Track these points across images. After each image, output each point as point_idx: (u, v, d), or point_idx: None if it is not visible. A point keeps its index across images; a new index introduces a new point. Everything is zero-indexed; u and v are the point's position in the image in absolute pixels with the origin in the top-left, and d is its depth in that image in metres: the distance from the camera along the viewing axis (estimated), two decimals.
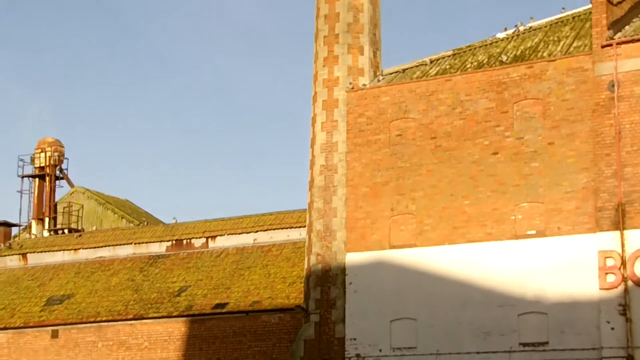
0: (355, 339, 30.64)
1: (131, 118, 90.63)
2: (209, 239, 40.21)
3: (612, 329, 27.08)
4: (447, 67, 32.59)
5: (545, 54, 30.45)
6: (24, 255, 44.59)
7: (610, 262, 27.37)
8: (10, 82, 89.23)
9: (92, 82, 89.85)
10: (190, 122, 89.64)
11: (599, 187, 27.92)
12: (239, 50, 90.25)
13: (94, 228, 48.45)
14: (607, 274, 27.37)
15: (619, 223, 27.44)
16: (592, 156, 28.16)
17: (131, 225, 48.19)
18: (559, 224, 28.35)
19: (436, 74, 32.21)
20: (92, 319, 38.04)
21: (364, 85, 32.91)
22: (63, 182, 51.30)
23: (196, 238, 40.58)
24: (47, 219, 49.55)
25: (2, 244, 46.59)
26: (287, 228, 38.52)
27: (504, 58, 31.20)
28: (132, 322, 37.16)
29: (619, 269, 27.22)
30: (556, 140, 28.72)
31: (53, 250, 43.90)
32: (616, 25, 29.03)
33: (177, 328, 36.11)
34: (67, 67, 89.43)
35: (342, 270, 31.44)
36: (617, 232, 27.44)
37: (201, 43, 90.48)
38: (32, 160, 50.14)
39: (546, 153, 28.81)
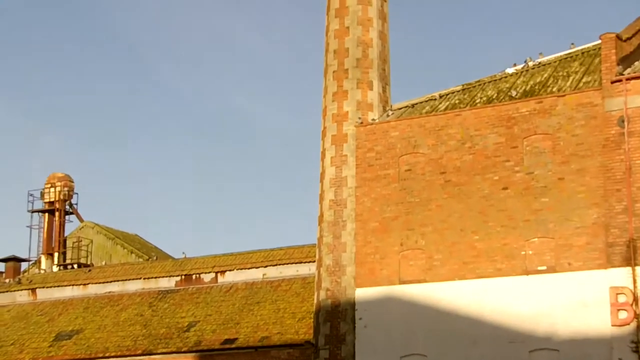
0: None
1: (141, 153, 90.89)
2: (218, 274, 40.10)
3: None
4: (457, 102, 32.61)
5: (554, 89, 30.45)
6: (33, 290, 44.53)
7: (622, 299, 27.16)
8: (20, 117, 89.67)
9: (103, 117, 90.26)
10: (199, 156, 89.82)
11: (609, 222, 27.77)
12: (248, 86, 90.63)
13: (103, 263, 48.40)
14: (619, 310, 27.16)
15: (631, 259, 27.26)
16: (602, 192, 28.04)
17: (140, 260, 48.14)
18: (570, 259, 28.19)
19: (445, 108, 32.23)
20: (101, 355, 37.87)
21: (373, 120, 32.94)
22: (73, 217, 51.37)
23: (205, 273, 40.47)
24: (56, 254, 49.56)
25: (11, 279, 46.55)
26: (296, 263, 38.40)
27: (514, 93, 31.21)
28: (141, 357, 36.98)
29: (631, 305, 27.00)
30: (566, 175, 28.63)
31: (62, 286, 43.83)
32: (625, 61, 29.04)
33: None
34: (78, 102, 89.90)
35: (352, 305, 31.29)
36: (629, 268, 27.26)
37: (210, 79, 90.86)
38: (42, 195, 50.25)
39: (556, 188, 28.72)
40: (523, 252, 28.89)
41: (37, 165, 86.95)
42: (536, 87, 31.21)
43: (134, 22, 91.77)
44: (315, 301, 32.56)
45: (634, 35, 30.26)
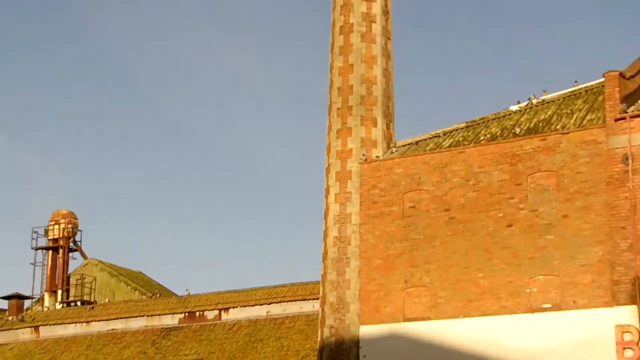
0: None
1: (146, 190, 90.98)
2: (222, 311, 39.98)
3: None
4: (461, 139, 32.65)
5: (558, 127, 30.49)
6: (36, 328, 44.39)
7: (627, 337, 26.97)
8: (25, 153, 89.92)
9: (107, 154, 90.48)
10: (203, 193, 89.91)
11: (614, 260, 27.67)
12: (253, 122, 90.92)
13: (107, 300, 48.28)
14: (624, 348, 26.96)
15: (636, 297, 27.11)
16: (607, 229, 27.97)
17: (144, 297, 48.01)
18: (575, 297, 28.05)
19: (449, 146, 32.25)
20: None
21: (377, 157, 32.97)
22: (76, 254, 51.35)
23: (209, 310, 40.35)
24: (59, 291, 49.47)
25: (14, 317, 46.41)
26: (300, 300, 38.28)
27: (518, 130, 31.25)
28: None
29: (637, 343, 26.81)
30: (571, 212, 28.58)
31: (65, 323, 43.70)
32: (629, 98, 29.11)
33: None
34: (83, 139, 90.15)
35: (356, 343, 31.11)
36: (634, 306, 27.10)
37: (215, 116, 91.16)
38: (46, 232, 50.26)
39: (561, 225, 28.65)
40: (528, 290, 28.77)
41: (41, 202, 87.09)
42: (540, 125, 31.25)
43: (139, 60, 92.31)
44: (319, 339, 32.39)
45: (637, 73, 30.35)
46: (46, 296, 49.24)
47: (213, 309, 40.25)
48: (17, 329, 44.87)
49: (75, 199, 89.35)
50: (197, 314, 40.47)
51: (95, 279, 50.27)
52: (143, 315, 41.82)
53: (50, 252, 50.04)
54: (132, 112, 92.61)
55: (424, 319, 30.14)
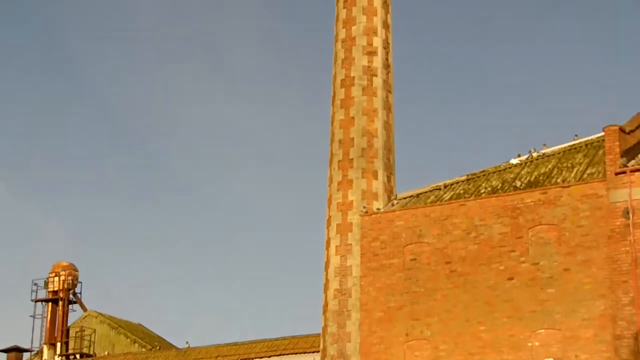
0: None
1: (146, 242, 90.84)
2: None
3: None
4: (461, 192, 32.68)
5: (559, 180, 30.54)
6: None
7: None
8: (25, 203, 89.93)
9: (108, 205, 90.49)
10: (204, 246, 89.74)
11: (616, 314, 27.53)
12: (253, 174, 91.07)
13: (106, 353, 47.94)
14: None
15: (638, 352, 26.92)
16: (609, 283, 27.87)
17: (144, 349, 47.66)
18: (577, 351, 27.86)
19: (450, 198, 32.28)
20: None
21: (378, 209, 32.96)
22: (76, 306, 51.07)
23: None
24: (59, 344, 49.11)
25: None
26: (300, 353, 38.03)
27: (518, 184, 31.29)
28: None
29: None
30: (572, 266, 28.50)
31: None
32: (629, 153, 29.19)
33: None
34: (82, 189, 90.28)
35: None
36: None
37: (214, 165, 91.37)
38: (46, 284, 50.06)
39: (562, 279, 28.56)
40: (529, 344, 28.59)
41: (41, 251, 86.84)
42: (540, 178, 31.31)
43: (140, 112, 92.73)
44: None
45: (637, 127, 30.50)
46: (45, 349, 48.89)
47: None
48: None
49: (75, 249, 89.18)
50: None
51: (94, 331, 49.96)
52: None
53: (50, 304, 49.80)
54: (133, 163, 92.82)
55: None
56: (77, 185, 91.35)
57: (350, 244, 32.58)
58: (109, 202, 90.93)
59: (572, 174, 30.68)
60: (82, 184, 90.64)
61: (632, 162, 28.64)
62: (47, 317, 49.63)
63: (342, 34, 36.28)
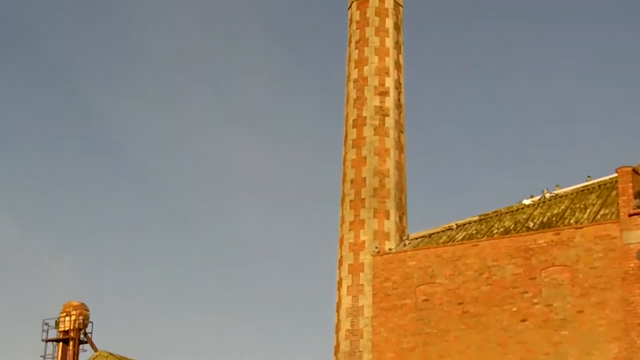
0: None
1: (157, 280, 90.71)
2: None
3: None
4: (474, 232, 32.56)
5: (572, 221, 30.40)
6: None
7: None
8: (36, 240, 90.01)
9: (119, 244, 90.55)
10: (215, 285, 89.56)
11: (631, 357, 27.25)
12: (264, 214, 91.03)
13: None
14: None
15: None
16: (623, 325, 27.62)
17: None
18: None
19: (463, 239, 32.15)
20: None
21: (390, 249, 32.84)
22: (86, 346, 50.81)
23: None
24: None
25: None
26: None
27: (531, 224, 31.16)
28: None
29: None
30: (586, 308, 28.27)
31: None
32: None
33: None
34: (94, 228, 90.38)
35: None
36: None
37: (225, 206, 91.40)
38: (57, 324, 49.87)
39: (576, 321, 28.32)
40: None
41: (52, 290, 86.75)
42: (553, 219, 31.17)
43: (151, 153, 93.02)
44: None
45: None
46: None
47: None
48: None
49: (86, 287, 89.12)
50: None
51: None
52: None
53: (61, 344, 49.59)
54: (143, 203, 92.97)
55: None
56: (88, 224, 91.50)
57: (362, 285, 32.46)
58: (120, 241, 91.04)
59: (586, 215, 30.55)
60: (93, 222, 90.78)
61: None
62: (57, 358, 49.39)
63: (355, 74, 36.43)
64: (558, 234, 29.42)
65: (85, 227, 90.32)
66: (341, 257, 33.55)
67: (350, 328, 32.14)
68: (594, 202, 31.27)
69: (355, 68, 36.52)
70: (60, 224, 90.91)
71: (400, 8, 37.97)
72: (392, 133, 34.90)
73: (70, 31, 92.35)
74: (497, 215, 33.16)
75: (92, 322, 50.63)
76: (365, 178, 34.10)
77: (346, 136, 35.65)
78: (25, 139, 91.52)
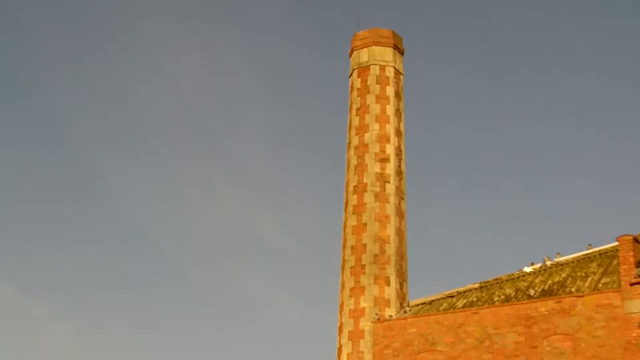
0: None
1: (154, 341, 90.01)
2: None
3: None
4: (475, 299, 32.50)
5: (573, 290, 30.40)
6: None
7: None
8: (37, 305, 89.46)
9: (117, 307, 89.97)
10: (212, 348, 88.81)
11: None
12: (263, 278, 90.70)
13: None
14: None
15: None
16: None
17: None
18: None
19: (463, 306, 32.08)
20: None
21: (390, 316, 32.73)
22: None
23: None
24: None
25: None
26: None
27: (532, 292, 31.14)
28: None
29: None
30: None
31: None
32: None
33: None
34: (91, 291, 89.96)
35: None
36: None
37: (223, 267, 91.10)
38: None
39: None
40: None
41: (49, 353, 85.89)
42: (555, 287, 31.16)
43: (147, 211, 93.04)
44: None
45: None
46: None
47: None
48: None
49: (87, 352, 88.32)
50: None
51: None
52: None
53: None
54: (141, 264, 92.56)
55: None
56: (88, 287, 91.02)
57: (363, 351, 32.28)
58: (118, 305, 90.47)
59: (587, 284, 30.54)
60: (93, 285, 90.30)
61: None
62: None
63: (355, 140, 36.69)
64: (559, 302, 29.38)
65: (85, 290, 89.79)
66: (341, 323, 33.41)
67: None
68: (595, 270, 31.30)
69: (356, 135, 36.80)
70: (59, 288, 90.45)
71: (401, 76, 38.41)
72: (392, 200, 35.03)
73: (67, 89, 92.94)
74: (497, 283, 33.16)
75: None
76: (365, 244, 34.12)
77: (347, 202, 35.76)
78: (19, 203, 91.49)
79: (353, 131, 37.06)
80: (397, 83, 37.90)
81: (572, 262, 32.42)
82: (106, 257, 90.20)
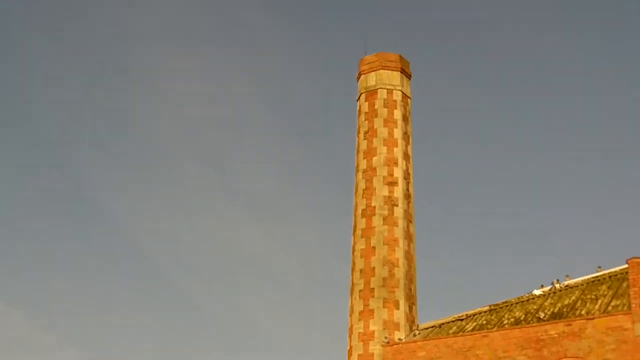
0: None
1: None
2: None
3: None
4: (484, 322, 32.43)
5: (583, 312, 30.32)
6: None
7: None
8: (45, 332, 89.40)
9: (122, 332, 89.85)
10: None
11: None
12: (270, 302, 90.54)
13: None
14: None
15: None
16: None
17: None
18: None
19: (473, 329, 32.00)
20: None
21: (399, 339, 32.67)
22: None
23: None
24: None
25: None
26: None
27: (542, 315, 31.06)
28: None
29: None
30: None
31: None
32: None
33: None
34: (97, 315, 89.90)
35: None
36: None
37: (228, 293, 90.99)
38: None
39: None
40: None
41: None
42: (564, 310, 31.08)
43: (151, 237, 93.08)
44: None
45: None
46: None
47: None
48: None
49: None
50: None
51: None
52: None
53: None
54: (146, 289, 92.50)
55: None
56: (95, 314, 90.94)
57: None
58: (123, 329, 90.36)
59: (597, 306, 30.47)
60: (99, 312, 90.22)
61: None
62: None
63: (363, 164, 36.77)
64: (569, 324, 29.31)
65: (90, 315, 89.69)
66: (350, 347, 33.35)
67: None
68: (605, 293, 31.23)
69: (364, 158, 36.88)
70: (64, 313, 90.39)
71: (409, 100, 38.55)
72: (401, 223, 35.05)
73: (70, 115, 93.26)
74: (507, 306, 33.08)
75: None
76: (374, 268, 34.12)
77: (355, 226, 35.78)
78: (23, 228, 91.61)
79: (361, 155, 37.15)
80: (404, 106, 38.03)
81: (582, 284, 32.37)
82: (109, 281, 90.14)
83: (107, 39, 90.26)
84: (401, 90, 37.98)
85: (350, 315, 34.01)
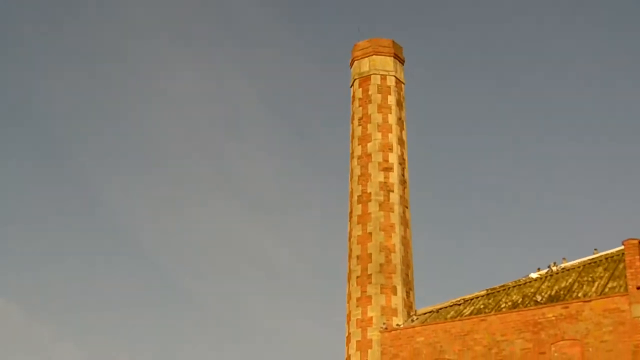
0: None
1: None
2: None
3: None
4: (482, 306, 32.48)
5: (580, 295, 30.37)
6: None
7: None
8: (41, 325, 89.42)
9: (121, 326, 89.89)
10: None
11: None
12: (268, 291, 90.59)
13: None
14: None
15: None
16: None
17: None
18: None
19: (470, 313, 32.05)
20: None
21: (397, 325, 32.73)
22: None
23: None
24: None
25: None
26: None
27: (539, 298, 31.12)
28: None
29: None
30: None
31: None
32: None
33: None
34: (96, 310, 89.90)
35: None
36: None
37: (228, 285, 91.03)
38: None
39: None
40: None
41: None
42: (561, 292, 31.13)
43: (151, 233, 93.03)
44: None
45: None
46: None
47: None
48: None
49: None
50: None
51: None
52: None
53: None
54: (145, 285, 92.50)
55: None
56: (92, 307, 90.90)
57: None
58: (121, 325, 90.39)
59: (593, 288, 30.53)
60: (96, 305, 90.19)
61: None
62: None
63: (358, 150, 36.72)
64: (567, 307, 29.38)
65: (88, 310, 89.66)
66: (349, 333, 33.40)
67: None
68: (602, 275, 31.29)
69: (358, 145, 36.83)
70: (63, 308, 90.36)
71: (402, 85, 38.47)
72: (397, 209, 35.03)
73: (72, 116, 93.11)
74: (504, 290, 33.13)
75: None
76: (371, 254, 34.12)
77: (351, 212, 35.77)
78: (24, 222, 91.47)
79: (355, 141, 37.10)
80: (398, 92, 37.95)
81: (579, 267, 32.41)
82: (109, 277, 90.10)
83: (107, 38, 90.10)
84: (395, 76, 37.91)
85: (348, 302, 34.05)
